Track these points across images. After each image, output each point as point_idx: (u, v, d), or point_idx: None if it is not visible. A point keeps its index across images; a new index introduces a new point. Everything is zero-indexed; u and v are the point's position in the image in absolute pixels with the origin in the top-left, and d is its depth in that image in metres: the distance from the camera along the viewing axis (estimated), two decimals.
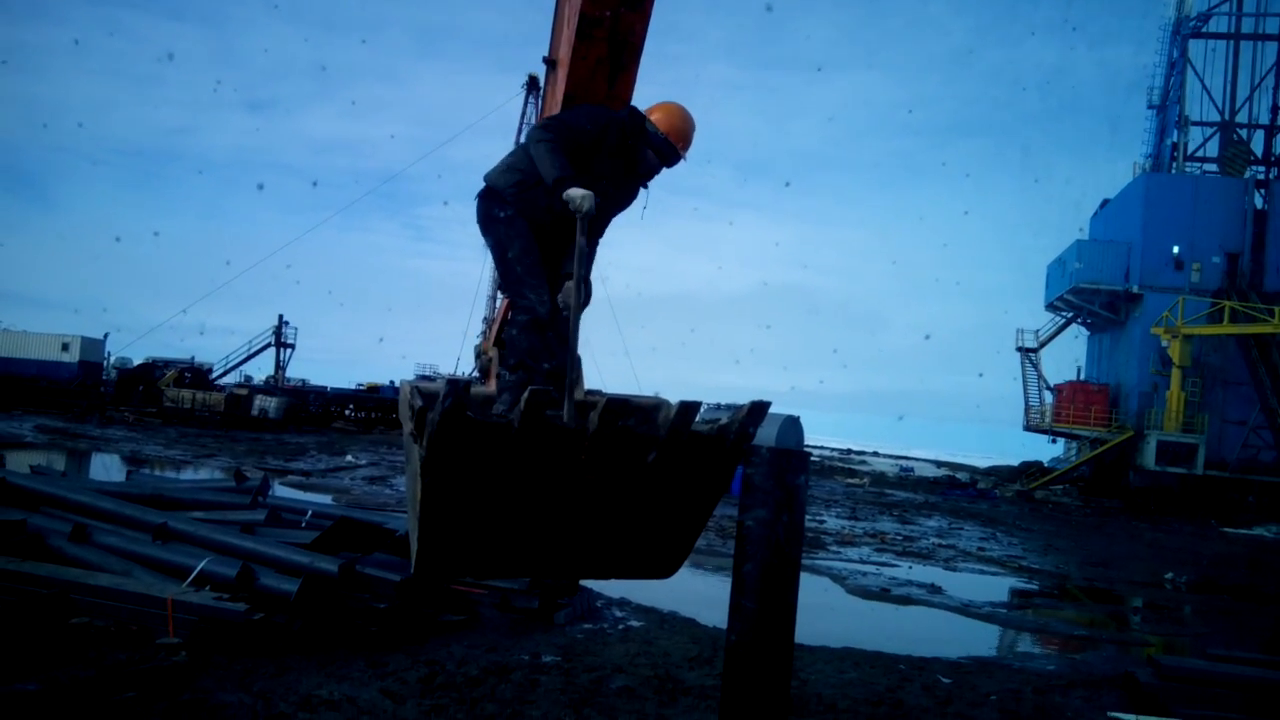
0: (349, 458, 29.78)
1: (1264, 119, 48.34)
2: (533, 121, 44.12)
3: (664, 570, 4.77)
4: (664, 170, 4.80)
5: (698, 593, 11.60)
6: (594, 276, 4.93)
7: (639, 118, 4.67)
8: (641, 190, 4.87)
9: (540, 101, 6.41)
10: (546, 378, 4.43)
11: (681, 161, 4.75)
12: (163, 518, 8.61)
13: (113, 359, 53.24)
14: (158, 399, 43.94)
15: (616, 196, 4.76)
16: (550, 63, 5.50)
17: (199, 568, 7.76)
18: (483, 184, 4.75)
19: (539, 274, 4.52)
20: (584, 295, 4.85)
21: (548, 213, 4.52)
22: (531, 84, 44.51)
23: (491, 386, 5.20)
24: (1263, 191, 44.72)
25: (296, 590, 7.52)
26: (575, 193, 4.24)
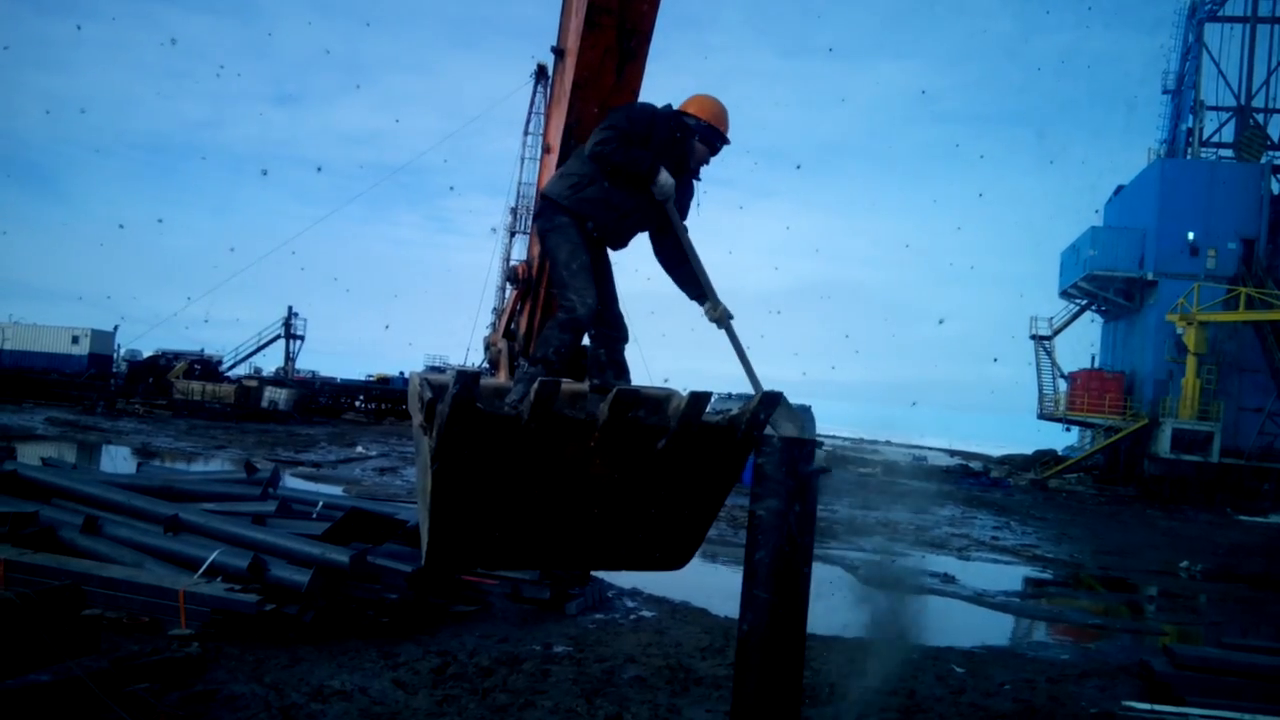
0: (359, 449, 29.82)
1: None
2: (541, 111, 44.09)
3: (675, 562, 4.75)
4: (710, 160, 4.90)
5: (709, 583, 11.58)
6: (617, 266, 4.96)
7: (678, 113, 4.77)
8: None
9: (549, 91, 6.34)
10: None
11: (726, 146, 4.85)
12: (174, 509, 8.62)
13: (122, 351, 53.39)
14: (167, 391, 44.06)
15: (677, 192, 4.81)
16: (558, 52, 5.44)
17: (210, 559, 7.77)
18: (540, 200, 4.84)
19: (585, 276, 4.54)
20: (624, 331, 4.88)
21: (605, 208, 4.61)
22: (540, 73, 44.37)
23: (501, 378, 5.17)
24: (1278, 177, 44.36)
25: (308, 581, 7.52)
26: (664, 180, 4.54)
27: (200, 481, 11.26)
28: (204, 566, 7.72)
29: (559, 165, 4.95)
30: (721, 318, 4.66)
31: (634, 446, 4.20)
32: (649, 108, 4.75)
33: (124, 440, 27.38)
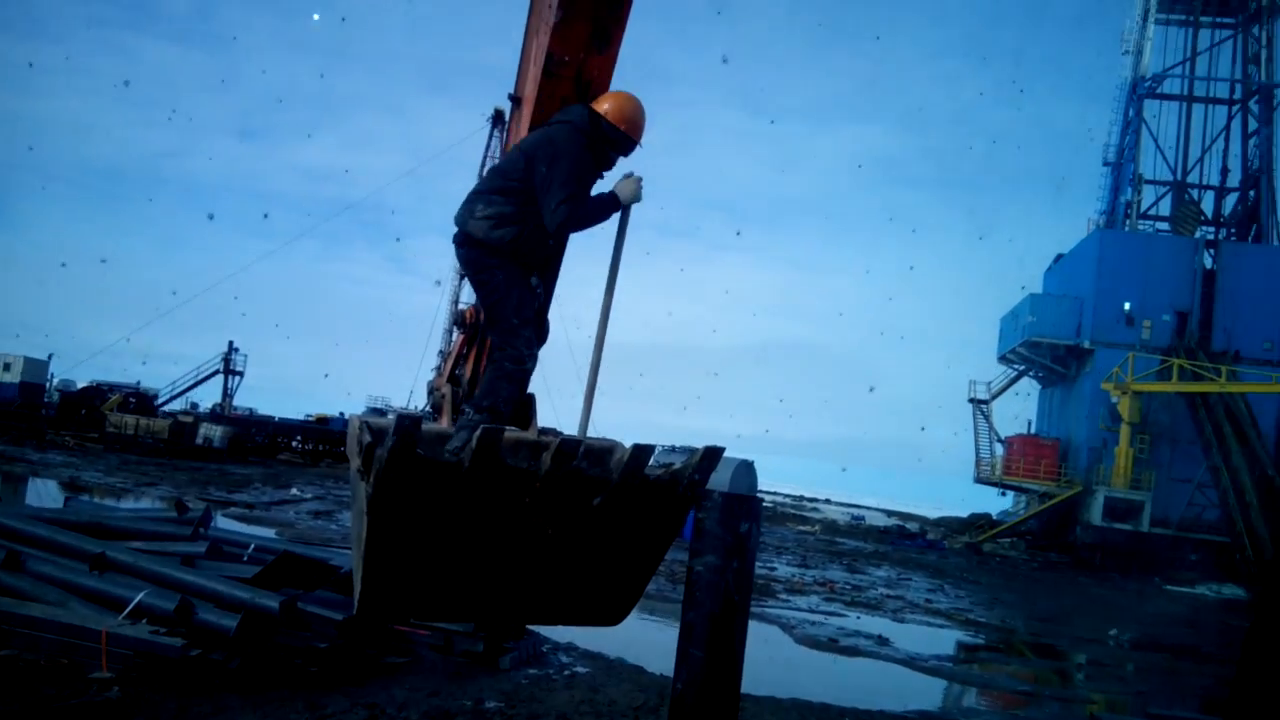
0: (294, 491, 29.30)
1: (1215, 180, 49.61)
2: (497, 156, 44.24)
3: (612, 618, 4.71)
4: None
5: (645, 639, 11.48)
6: (563, 317, 4.96)
7: (595, 118, 4.64)
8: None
9: (505, 137, 6.40)
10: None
11: (637, 149, 4.74)
12: (101, 547, 8.38)
13: (55, 381, 52.11)
14: (100, 424, 43.01)
15: None
16: (516, 100, 5.49)
17: (136, 600, 7.55)
18: (459, 230, 4.69)
19: (532, 326, 4.57)
20: (544, 331, 4.87)
21: (531, 258, 4.64)
22: (497, 117, 44.59)
23: (444, 424, 5.13)
24: (1212, 252, 45.70)
25: (236, 626, 7.33)
26: (626, 190, 4.53)
27: (129, 519, 10.96)
28: (129, 607, 7.51)
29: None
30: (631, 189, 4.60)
31: (575, 498, 4.18)
32: (577, 143, 4.59)
33: (52, 473, 26.65)
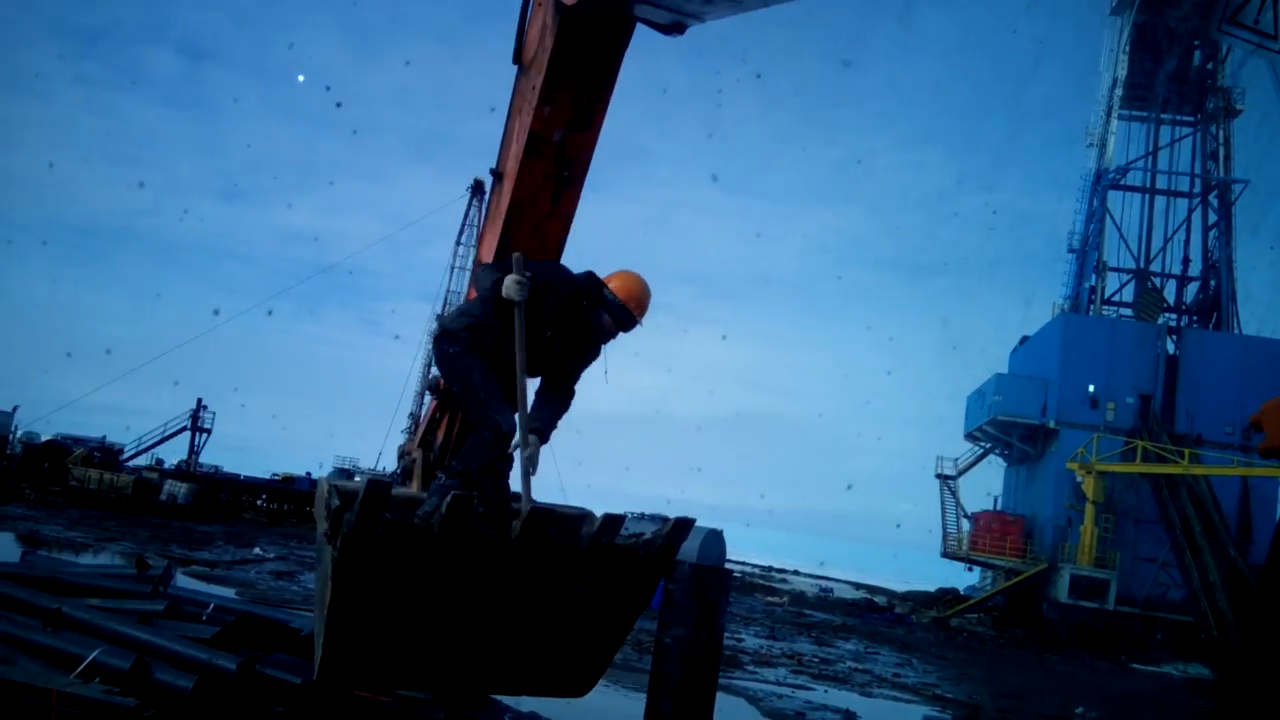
0: (257, 550, 28.89)
1: (1176, 269, 50.63)
2: (475, 224, 44.45)
3: (578, 688, 4.68)
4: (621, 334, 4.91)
5: (610, 710, 11.31)
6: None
7: (597, 283, 4.79)
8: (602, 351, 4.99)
9: (484, 209, 6.46)
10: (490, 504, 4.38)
11: (638, 327, 4.86)
12: (57, 603, 8.23)
13: (19, 433, 51.31)
14: (64, 477, 42.35)
15: (572, 348, 4.85)
16: (497, 174, 5.56)
17: (89, 658, 7.40)
18: (438, 329, 4.94)
19: (500, 395, 4.60)
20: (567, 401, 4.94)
21: (497, 354, 4.65)
22: (477, 187, 44.84)
23: (413, 488, 5.12)
24: (1174, 338, 46.50)
25: (192, 687, 7.20)
26: (507, 282, 4.48)
27: (88, 575, 10.79)
28: (82, 665, 7.36)
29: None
30: (531, 459, 4.57)
31: (545, 566, 4.17)
32: (559, 271, 4.82)
33: (10, 526, 26.15)
